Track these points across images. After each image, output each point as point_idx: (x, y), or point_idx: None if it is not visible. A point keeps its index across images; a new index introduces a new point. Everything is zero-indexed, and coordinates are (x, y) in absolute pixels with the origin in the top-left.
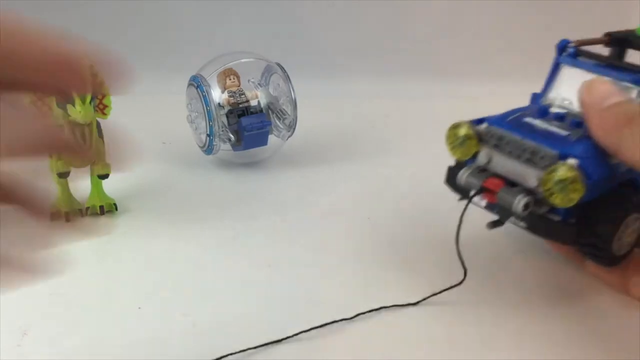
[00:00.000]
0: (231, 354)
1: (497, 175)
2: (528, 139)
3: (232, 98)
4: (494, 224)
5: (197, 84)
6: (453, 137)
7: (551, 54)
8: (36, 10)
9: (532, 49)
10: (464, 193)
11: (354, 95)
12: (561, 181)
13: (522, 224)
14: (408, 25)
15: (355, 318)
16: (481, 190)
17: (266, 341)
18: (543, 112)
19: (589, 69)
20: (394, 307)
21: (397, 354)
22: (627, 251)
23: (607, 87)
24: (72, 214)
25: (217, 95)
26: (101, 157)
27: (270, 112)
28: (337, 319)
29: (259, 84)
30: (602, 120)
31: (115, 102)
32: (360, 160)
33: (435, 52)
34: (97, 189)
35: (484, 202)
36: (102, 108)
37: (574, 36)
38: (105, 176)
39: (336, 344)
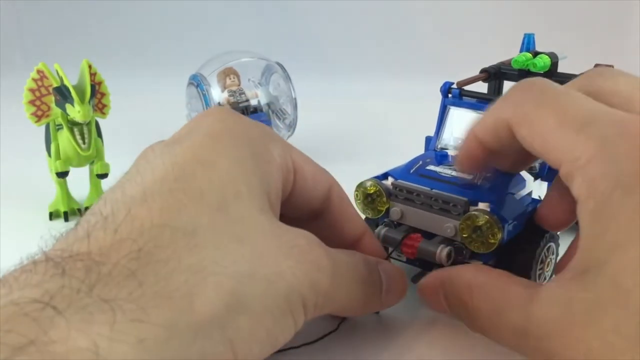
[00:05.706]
0: None
1: (413, 229)
2: (436, 189)
3: (232, 97)
4: (417, 277)
5: (197, 83)
6: (362, 196)
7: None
8: (36, 10)
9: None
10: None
11: (354, 95)
12: (478, 227)
13: None
14: (408, 25)
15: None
16: (399, 245)
17: None
18: (442, 158)
19: (472, 107)
20: None
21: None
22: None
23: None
24: (70, 214)
25: (217, 94)
26: (100, 156)
27: (270, 111)
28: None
29: (259, 83)
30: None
31: (115, 101)
32: (360, 160)
33: (435, 52)
34: (96, 188)
35: (404, 258)
36: (101, 107)
37: (574, 36)
38: (105, 176)
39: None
